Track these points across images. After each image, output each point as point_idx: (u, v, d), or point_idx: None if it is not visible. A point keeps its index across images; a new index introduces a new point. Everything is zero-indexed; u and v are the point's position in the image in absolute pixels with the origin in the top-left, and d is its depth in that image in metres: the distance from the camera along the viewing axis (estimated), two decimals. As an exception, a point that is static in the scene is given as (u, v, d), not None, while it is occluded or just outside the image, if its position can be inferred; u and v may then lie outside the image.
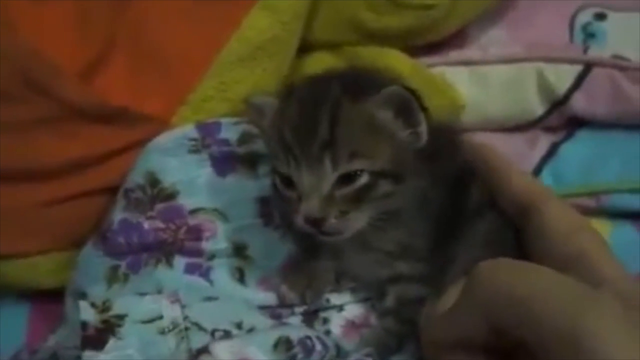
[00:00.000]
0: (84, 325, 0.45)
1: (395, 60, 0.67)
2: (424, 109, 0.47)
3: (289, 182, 0.47)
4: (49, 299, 0.59)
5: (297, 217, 0.46)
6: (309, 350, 0.46)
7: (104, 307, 0.46)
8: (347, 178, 0.46)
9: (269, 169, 0.52)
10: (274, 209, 0.54)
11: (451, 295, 0.41)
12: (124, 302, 0.47)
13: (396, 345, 0.50)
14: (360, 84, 0.48)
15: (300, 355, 0.45)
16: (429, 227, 0.50)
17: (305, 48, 0.69)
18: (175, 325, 0.46)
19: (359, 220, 0.47)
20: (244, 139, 0.55)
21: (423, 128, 0.47)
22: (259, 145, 0.54)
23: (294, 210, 0.47)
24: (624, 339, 0.33)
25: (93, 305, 0.46)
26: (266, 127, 0.49)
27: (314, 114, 0.46)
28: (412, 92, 0.46)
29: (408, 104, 0.46)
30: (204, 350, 0.44)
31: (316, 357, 0.46)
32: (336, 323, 0.52)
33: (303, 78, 0.54)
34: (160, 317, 0.47)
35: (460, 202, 0.50)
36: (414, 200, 0.48)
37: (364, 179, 0.46)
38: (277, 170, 0.48)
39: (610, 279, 0.40)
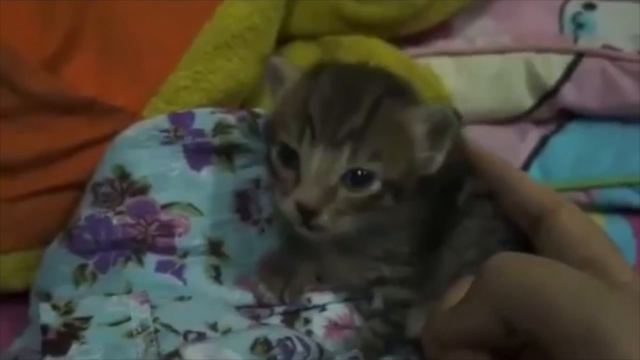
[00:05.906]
0: (45, 328, 0.42)
1: (378, 50, 0.65)
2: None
3: (289, 159, 0.43)
4: (14, 300, 0.56)
5: (285, 200, 0.43)
6: (289, 352, 0.44)
7: (67, 309, 0.43)
8: (358, 181, 0.43)
9: (247, 160, 0.50)
10: (252, 203, 0.51)
11: (457, 292, 0.40)
12: (88, 304, 0.44)
13: (383, 347, 0.48)
14: (403, 91, 0.46)
15: (280, 357, 0.43)
16: (415, 233, 0.48)
17: (285, 39, 0.66)
18: (144, 327, 0.44)
19: (347, 225, 0.43)
20: (219, 129, 0.52)
21: (441, 157, 0.44)
22: (234, 136, 0.52)
23: (284, 192, 0.43)
24: None
25: (54, 307, 0.43)
26: (280, 94, 0.46)
27: (354, 97, 0.43)
28: (458, 118, 0.44)
29: (447, 128, 0.44)
30: (175, 354, 0.41)
31: (297, 359, 0.43)
32: (318, 323, 0.50)
33: (337, 62, 0.51)
34: (128, 319, 0.44)
35: (447, 206, 0.48)
36: (402, 219, 0.46)
37: (375, 187, 0.43)
38: (280, 142, 0.44)
39: (627, 282, 0.39)
